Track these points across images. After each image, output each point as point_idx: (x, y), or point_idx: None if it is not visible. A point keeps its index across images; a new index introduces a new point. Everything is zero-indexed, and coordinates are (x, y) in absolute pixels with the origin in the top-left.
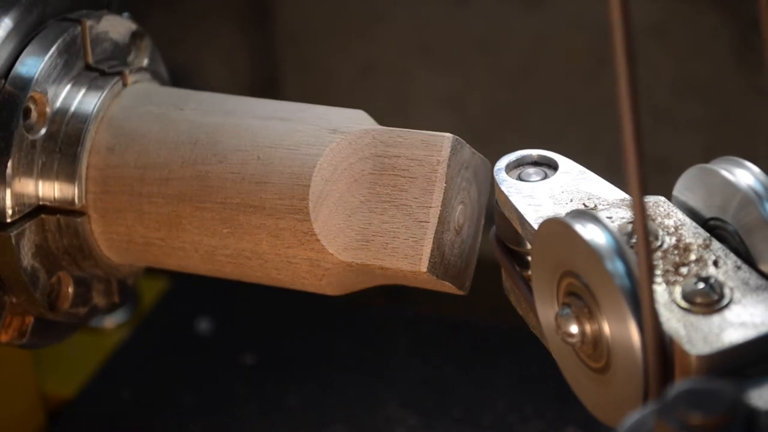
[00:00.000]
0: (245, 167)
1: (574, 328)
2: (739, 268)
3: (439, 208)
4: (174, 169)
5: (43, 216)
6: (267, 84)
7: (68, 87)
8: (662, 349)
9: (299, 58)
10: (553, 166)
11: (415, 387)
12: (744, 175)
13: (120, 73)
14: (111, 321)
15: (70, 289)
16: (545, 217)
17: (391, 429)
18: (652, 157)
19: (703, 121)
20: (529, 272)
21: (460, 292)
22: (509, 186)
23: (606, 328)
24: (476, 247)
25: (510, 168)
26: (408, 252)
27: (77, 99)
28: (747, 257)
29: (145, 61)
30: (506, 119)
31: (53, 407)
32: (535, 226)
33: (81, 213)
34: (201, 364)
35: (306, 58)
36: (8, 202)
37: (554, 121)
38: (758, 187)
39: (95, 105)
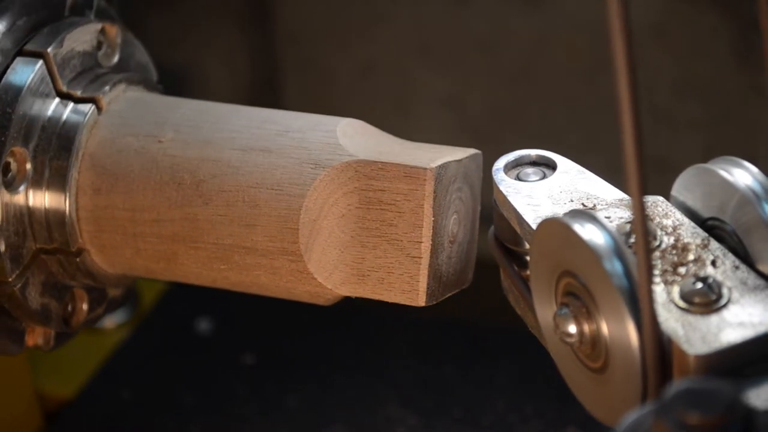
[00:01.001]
0: (232, 209)
1: (572, 328)
2: (737, 267)
3: (430, 242)
4: (162, 210)
5: (43, 256)
6: (267, 84)
7: (45, 123)
8: (660, 349)
9: (299, 58)
10: (552, 166)
11: (415, 387)
12: (742, 175)
13: (93, 99)
14: (111, 321)
15: (85, 306)
16: (544, 217)
17: (391, 429)
18: (652, 157)
19: (703, 121)
20: (528, 272)
21: (463, 287)
22: (508, 186)
23: (604, 328)
24: (474, 238)
25: (508, 168)
26: (404, 287)
27: (55, 136)
28: (745, 257)
29: (116, 57)
30: (506, 119)
31: (53, 408)
32: (534, 226)
33: (80, 251)
34: (201, 364)
35: (306, 58)
36: (7, 263)
37: (554, 121)
38: (756, 187)
39: (74, 143)
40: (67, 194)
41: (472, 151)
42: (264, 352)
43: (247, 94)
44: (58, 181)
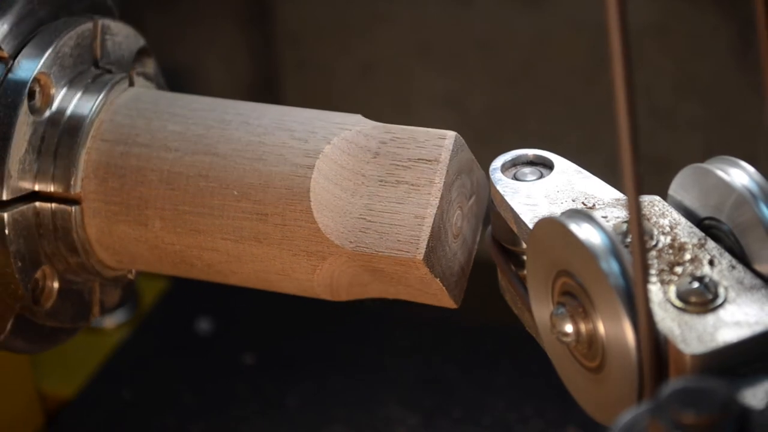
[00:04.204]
0: (252, 282)
1: (568, 328)
2: (733, 267)
3: (442, 285)
4: (188, 274)
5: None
6: (267, 84)
7: (39, 229)
8: (657, 348)
9: (299, 58)
10: (549, 166)
11: (415, 387)
12: (739, 174)
13: (72, 200)
14: (111, 321)
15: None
16: (540, 217)
17: (391, 429)
18: (652, 157)
19: (703, 121)
20: (525, 272)
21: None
22: (505, 186)
23: (601, 328)
24: (482, 210)
25: (506, 167)
26: (435, 300)
27: (57, 238)
28: (742, 257)
29: (53, 108)
30: (506, 119)
31: (53, 407)
32: (531, 226)
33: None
34: (201, 364)
35: (306, 58)
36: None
37: (554, 121)
38: (753, 186)
39: (74, 241)
40: (94, 269)
41: (446, 148)
42: (264, 352)
43: (247, 94)
44: (78, 263)
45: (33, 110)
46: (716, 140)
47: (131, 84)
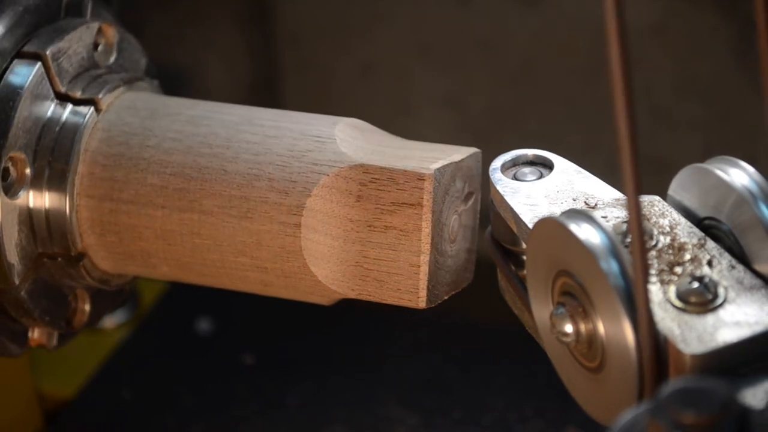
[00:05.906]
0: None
1: (568, 328)
2: (733, 267)
3: (452, 293)
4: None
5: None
6: (267, 84)
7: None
8: (656, 348)
9: (299, 58)
10: (549, 166)
11: (415, 387)
12: (739, 174)
13: (79, 257)
14: (111, 321)
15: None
16: (540, 217)
17: (391, 429)
18: (652, 157)
19: (703, 121)
20: (525, 272)
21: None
22: (504, 186)
23: (600, 328)
24: (477, 184)
25: (505, 168)
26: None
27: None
28: (741, 257)
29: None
30: (506, 119)
31: (53, 407)
32: (531, 226)
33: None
34: (201, 364)
35: (306, 58)
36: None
37: (554, 121)
38: (753, 186)
39: (84, 276)
40: (119, 284)
41: (426, 191)
42: (264, 352)
43: (247, 94)
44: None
45: (8, 190)
46: (716, 140)
47: (98, 110)
